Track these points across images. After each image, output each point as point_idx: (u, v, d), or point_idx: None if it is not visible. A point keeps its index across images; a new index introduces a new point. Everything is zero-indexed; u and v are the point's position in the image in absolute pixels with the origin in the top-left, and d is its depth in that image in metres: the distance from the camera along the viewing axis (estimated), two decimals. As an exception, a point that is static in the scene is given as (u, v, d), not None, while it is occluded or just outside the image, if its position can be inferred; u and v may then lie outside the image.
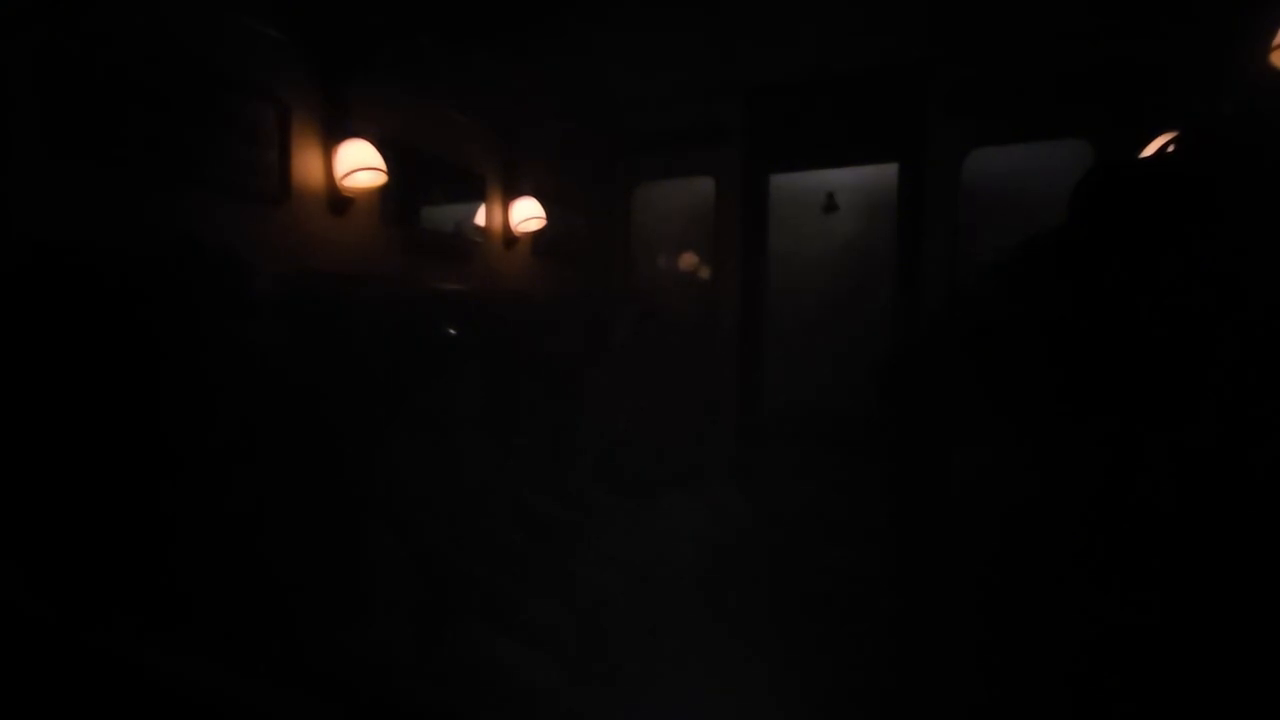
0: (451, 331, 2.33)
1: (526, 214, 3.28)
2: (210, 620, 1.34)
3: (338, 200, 2.47)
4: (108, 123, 1.77)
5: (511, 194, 3.32)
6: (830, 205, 4.27)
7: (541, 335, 2.92)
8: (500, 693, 1.49)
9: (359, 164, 2.41)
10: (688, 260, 4.55)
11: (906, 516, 1.64)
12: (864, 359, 2.30)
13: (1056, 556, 1.13)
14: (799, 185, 4.14)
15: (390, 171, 2.47)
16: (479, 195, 3.22)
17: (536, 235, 3.42)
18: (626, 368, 3.12)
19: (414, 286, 2.76)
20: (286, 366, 1.81)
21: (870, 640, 1.86)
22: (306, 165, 2.38)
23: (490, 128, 3.21)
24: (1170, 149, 1.33)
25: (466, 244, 3.16)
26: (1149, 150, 1.84)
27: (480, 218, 3.25)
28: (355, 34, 2.40)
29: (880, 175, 3.62)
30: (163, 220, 1.92)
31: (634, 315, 3.35)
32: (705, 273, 4.26)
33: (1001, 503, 1.23)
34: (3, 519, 1.42)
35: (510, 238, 3.34)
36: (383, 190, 2.57)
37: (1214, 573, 1.00)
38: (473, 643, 1.60)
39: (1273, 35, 2.02)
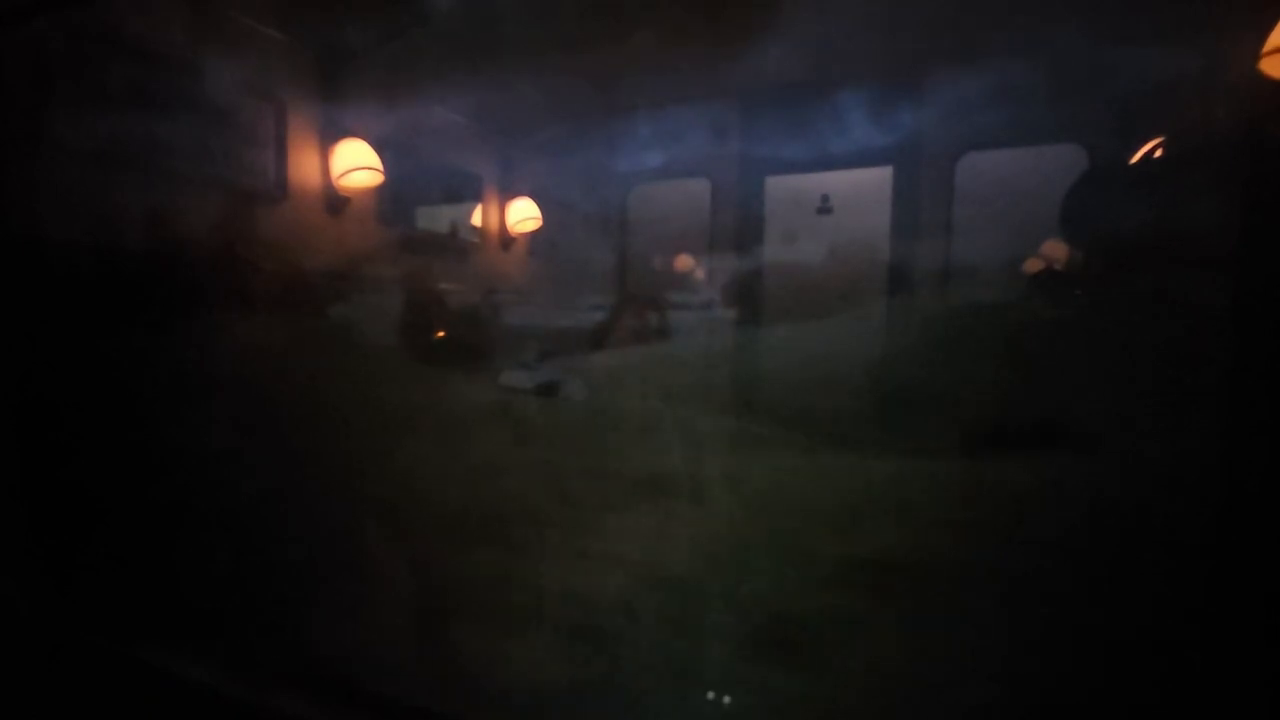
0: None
1: (523, 214, 3.29)
2: (209, 619, 1.34)
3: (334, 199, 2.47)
4: (104, 122, 1.76)
5: (508, 194, 3.32)
6: (825, 207, 4.28)
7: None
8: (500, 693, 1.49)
9: (355, 164, 2.41)
10: (683, 262, 4.55)
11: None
12: (857, 362, 2.31)
13: None
14: (794, 187, 4.14)
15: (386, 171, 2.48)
16: (475, 195, 3.22)
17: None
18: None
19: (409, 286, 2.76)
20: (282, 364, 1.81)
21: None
22: (303, 164, 2.38)
23: (487, 127, 3.21)
24: (1158, 154, 1.34)
25: (462, 244, 3.16)
26: (1137, 156, 1.86)
27: (477, 218, 3.25)
28: (353, 33, 2.39)
29: (875, 178, 3.64)
30: (160, 219, 1.91)
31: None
32: (701, 274, 4.26)
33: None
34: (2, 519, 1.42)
35: (507, 238, 3.34)
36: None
37: None
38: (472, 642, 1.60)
39: (1263, 41, 2.04)
